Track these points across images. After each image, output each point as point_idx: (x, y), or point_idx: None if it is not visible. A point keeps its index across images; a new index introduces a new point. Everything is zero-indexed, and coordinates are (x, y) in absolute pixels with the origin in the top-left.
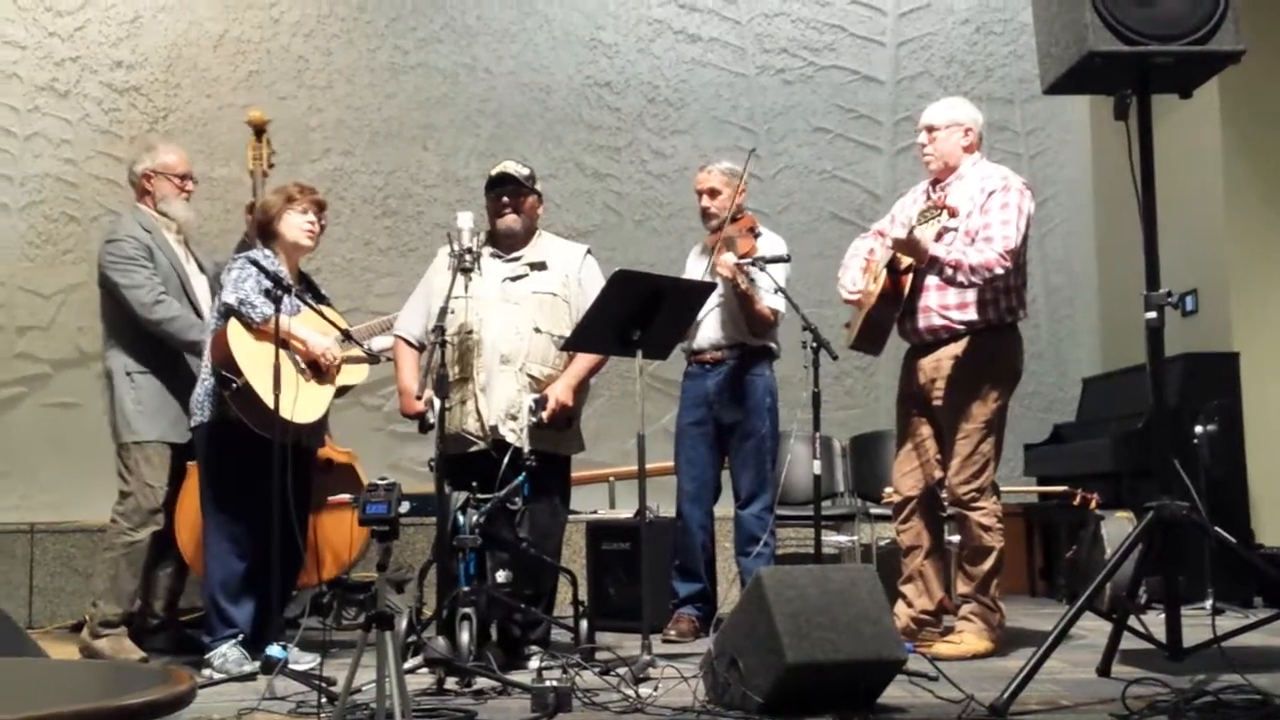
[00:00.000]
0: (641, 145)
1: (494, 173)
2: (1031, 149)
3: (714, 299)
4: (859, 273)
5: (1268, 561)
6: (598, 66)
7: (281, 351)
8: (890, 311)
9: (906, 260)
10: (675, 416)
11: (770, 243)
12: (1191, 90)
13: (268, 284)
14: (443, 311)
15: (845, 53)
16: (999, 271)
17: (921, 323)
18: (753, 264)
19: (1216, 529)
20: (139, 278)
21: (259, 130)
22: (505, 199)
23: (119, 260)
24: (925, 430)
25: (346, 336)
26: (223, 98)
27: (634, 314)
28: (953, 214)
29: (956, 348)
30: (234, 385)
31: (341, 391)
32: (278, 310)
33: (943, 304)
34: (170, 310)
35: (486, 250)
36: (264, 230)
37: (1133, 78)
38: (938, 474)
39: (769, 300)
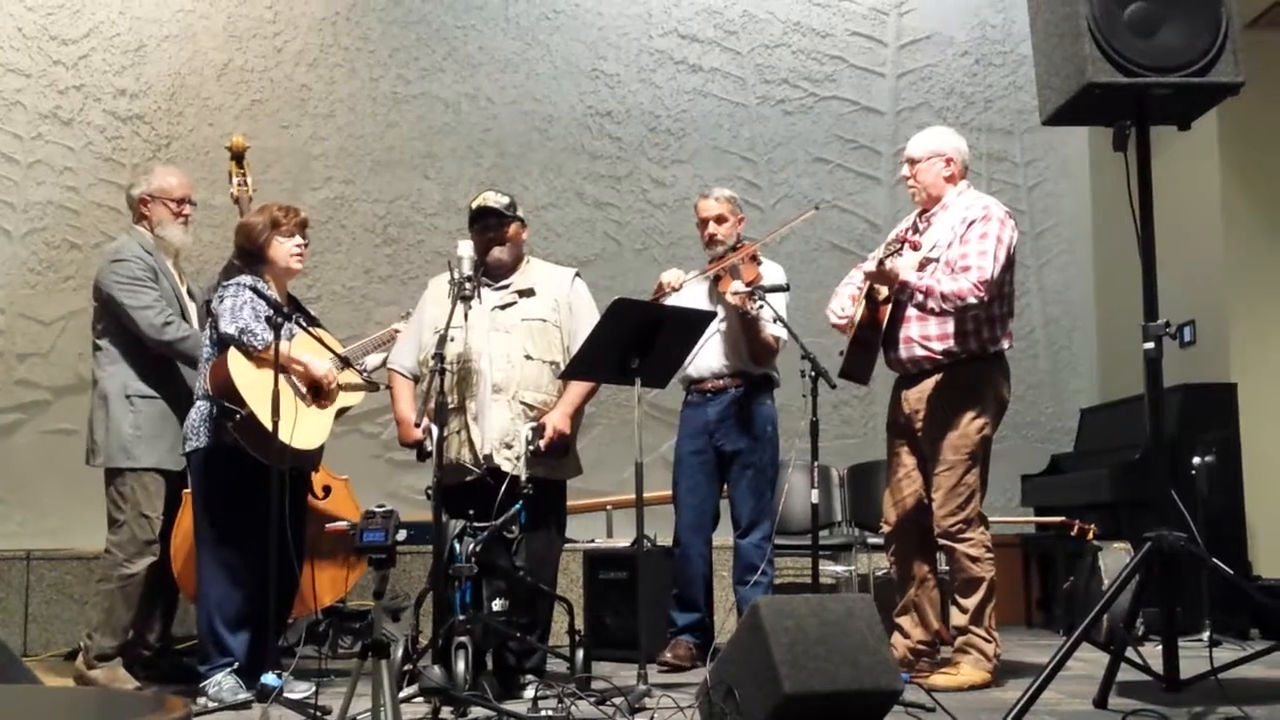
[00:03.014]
0: (642, 175)
1: (474, 205)
2: (1030, 179)
3: (714, 327)
4: (848, 300)
5: (1265, 593)
6: (599, 96)
7: (281, 378)
8: (873, 342)
9: (884, 291)
10: (674, 445)
11: (770, 272)
12: (1190, 122)
13: (267, 311)
14: (441, 339)
15: (845, 84)
16: (971, 301)
17: (903, 353)
18: (751, 293)
19: (1214, 560)
20: (148, 299)
21: (239, 156)
22: (490, 233)
23: (126, 281)
24: (912, 460)
25: (346, 364)
26: (225, 126)
27: (633, 342)
28: (915, 247)
29: (939, 378)
30: (238, 416)
31: (339, 413)
32: (278, 337)
33: (923, 334)
34: (181, 330)
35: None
36: (249, 254)
37: (1131, 109)
38: (929, 504)
39: (772, 329)
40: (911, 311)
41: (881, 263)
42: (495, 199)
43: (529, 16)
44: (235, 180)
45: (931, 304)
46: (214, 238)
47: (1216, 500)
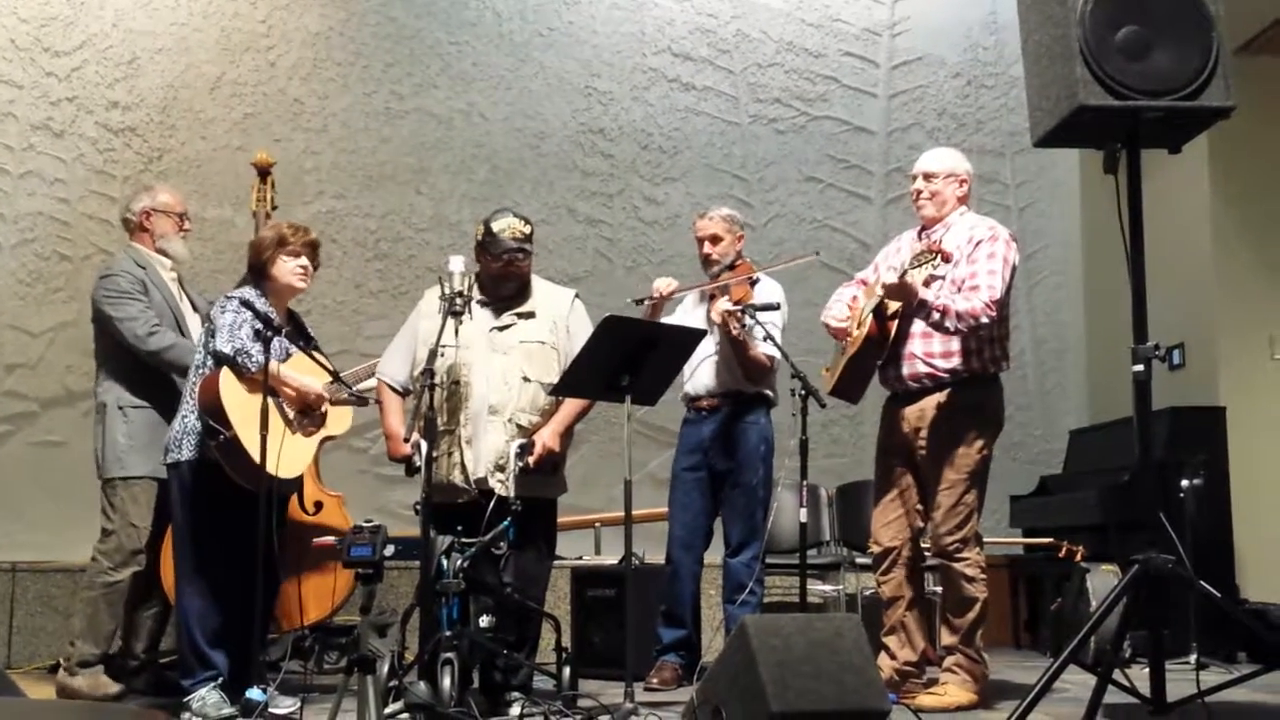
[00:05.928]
0: (634, 192)
1: (499, 232)
2: (1021, 201)
3: (711, 346)
4: (844, 309)
5: (1252, 616)
6: (592, 114)
7: (270, 402)
8: (873, 358)
9: (894, 306)
10: (663, 463)
11: (765, 290)
12: (1181, 145)
13: (257, 324)
14: (432, 354)
15: (838, 103)
16: (984, 320)
17: (906, 370)
18: (743, 311)
19: (1201, 583)
20: (133, 310)
21: (264, 172)
22: (514, 266)
23: (113, 294)
24: (907, 480)
25: (336, 378)
26: (218, 139)
27: (623, 360)
28: (946, 258)
29: (941, 397)
30: (222, 437)
31: (322, 442)
32: (267, 352)
33: (927, 351)
34: (165, 339)
35: (476, 295)
36: (254, 270)
37: (1122, 132)
38: (919, 524)
39: (763, 347)
40: (916, 328)
41: (903, 275)
42: (523, 228)
43: (523, 33)
44: (255, 195)
45: (947, 323)
46: (205, 250)
47: (1204, 523)
